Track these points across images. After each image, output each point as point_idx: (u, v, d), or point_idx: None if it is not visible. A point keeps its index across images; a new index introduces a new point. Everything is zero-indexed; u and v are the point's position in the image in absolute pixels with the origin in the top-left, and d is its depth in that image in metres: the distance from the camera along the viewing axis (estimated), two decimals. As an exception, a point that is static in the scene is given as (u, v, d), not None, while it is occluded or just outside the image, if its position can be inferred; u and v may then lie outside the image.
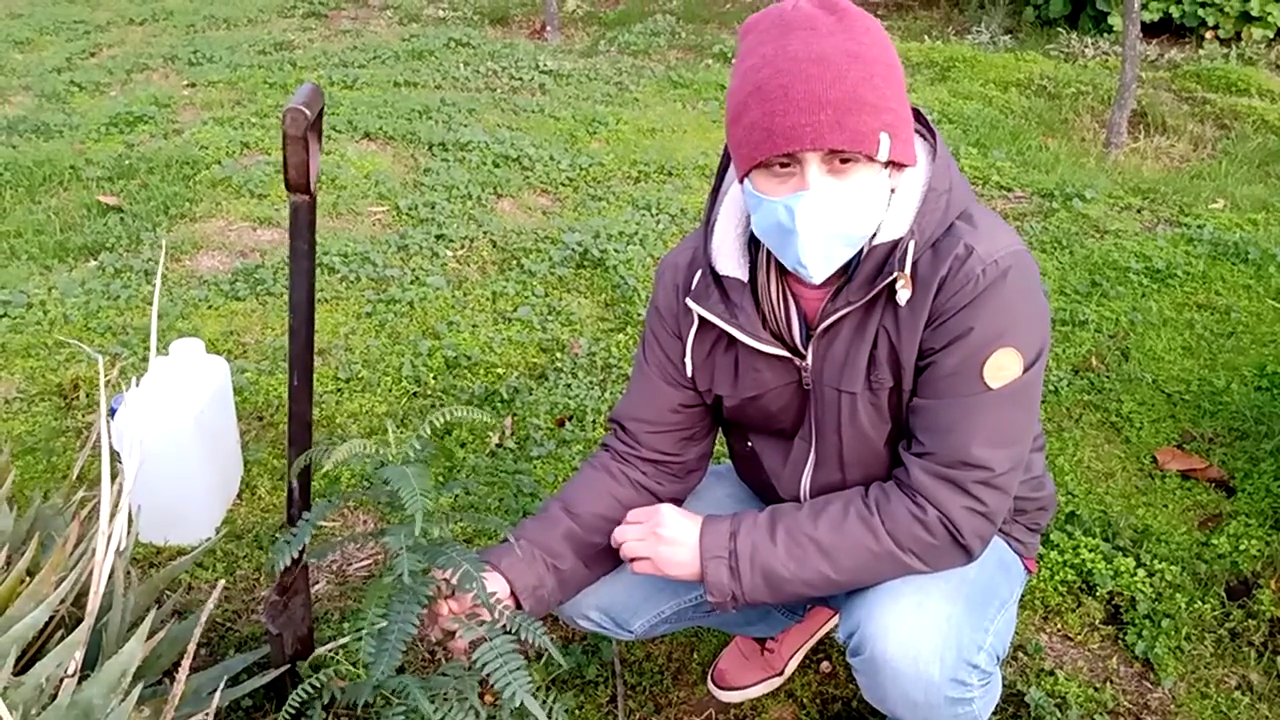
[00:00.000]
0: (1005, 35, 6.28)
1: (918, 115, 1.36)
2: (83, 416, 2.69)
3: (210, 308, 3.23)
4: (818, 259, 1.28)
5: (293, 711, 1.41)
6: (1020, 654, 1.97)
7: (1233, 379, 2.81)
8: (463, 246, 3.63)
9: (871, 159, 1.22)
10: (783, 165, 1.23)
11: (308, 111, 1.38)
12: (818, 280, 1.31)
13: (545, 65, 5.76)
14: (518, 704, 1.28)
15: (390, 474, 1.31)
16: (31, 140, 4.59)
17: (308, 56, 5.95)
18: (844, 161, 1.22)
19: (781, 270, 1.39)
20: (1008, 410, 1.32)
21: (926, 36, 6.38)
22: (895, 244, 1.31)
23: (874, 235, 1.32)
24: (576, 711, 1.86)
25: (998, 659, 1.43)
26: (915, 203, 1.31)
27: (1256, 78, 5.34)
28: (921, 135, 1.36)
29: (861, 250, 1.33)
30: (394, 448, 1.33)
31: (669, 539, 1.39)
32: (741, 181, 1.30)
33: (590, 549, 1.52)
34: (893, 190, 1.32)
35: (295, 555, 1.36)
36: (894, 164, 1.28)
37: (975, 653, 1.36)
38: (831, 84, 1.18)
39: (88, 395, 2.76)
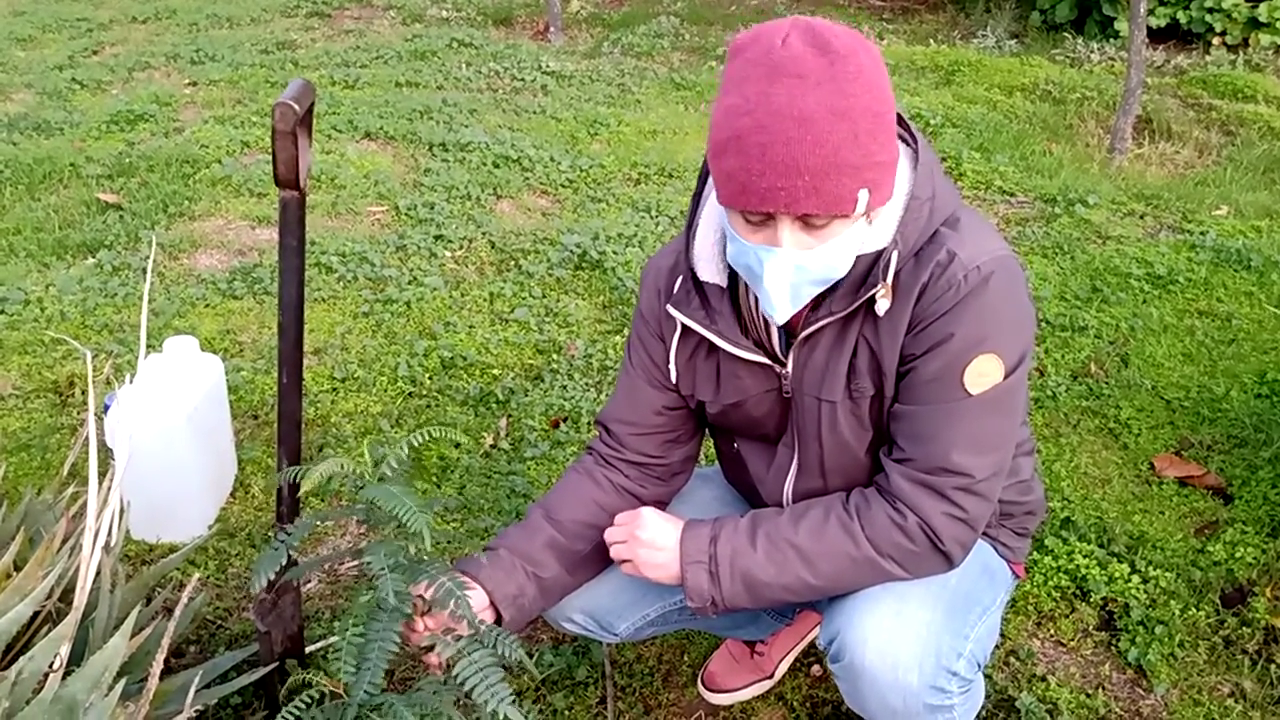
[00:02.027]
0: (1011, 40, 6.27)
1: (900, 120, 1.33)
2: (78, 413, 2.69)
3: (207, 306, 3.22)
4: (784, 306, 1.28)
5: None
6: (1012, 659, 1.96)
7: (1232, 386, 2.80)
8: (461, 247, 3.63)
9: (848, 216, 1.20)
10: (757, 215, 1.21)
11: (297, 106, 1.37)
12: (782, 321, 1.32)
13: (548, 66, 5.76)
14: (502, 716, 1.28)
15: (378, 494, 1.31)
16: (32, 137, 4.60)
17: (310, 56, 5.95)
18: (818, 222, 1.20)
19: None
20: (988, 417, 1.31)
21: (932, 40, 6.37)
22: (879, 255, 1.29)
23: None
24: (566, 712, 1.85)
25: (979, 666, 1.42)
26: (898, 212, 1.29)
27: (1263, 84, 5.32)
28: (904, 140, 1.34)
29: None
30: (368, 461, 1.33)
31: (648, 542, 1.39)
32: (720, 212, 1.30)
33: (573, 556, 1.51)
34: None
35: (272, 575, 1.35)
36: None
37: (955, 660, 1.35)
38: (812, 149, 1.14)
39: (83, 392, 2.75)
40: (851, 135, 1.15)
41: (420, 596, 1.37)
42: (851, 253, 1.27)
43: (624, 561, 1.44)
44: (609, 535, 1.45)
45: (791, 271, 1.23)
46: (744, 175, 1.17)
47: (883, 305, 1.29)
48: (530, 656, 1.93)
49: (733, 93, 1.18)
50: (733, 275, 1.39)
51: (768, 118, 1.15)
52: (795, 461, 1.47)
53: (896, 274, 1.29)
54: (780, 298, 1.26)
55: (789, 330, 1.39)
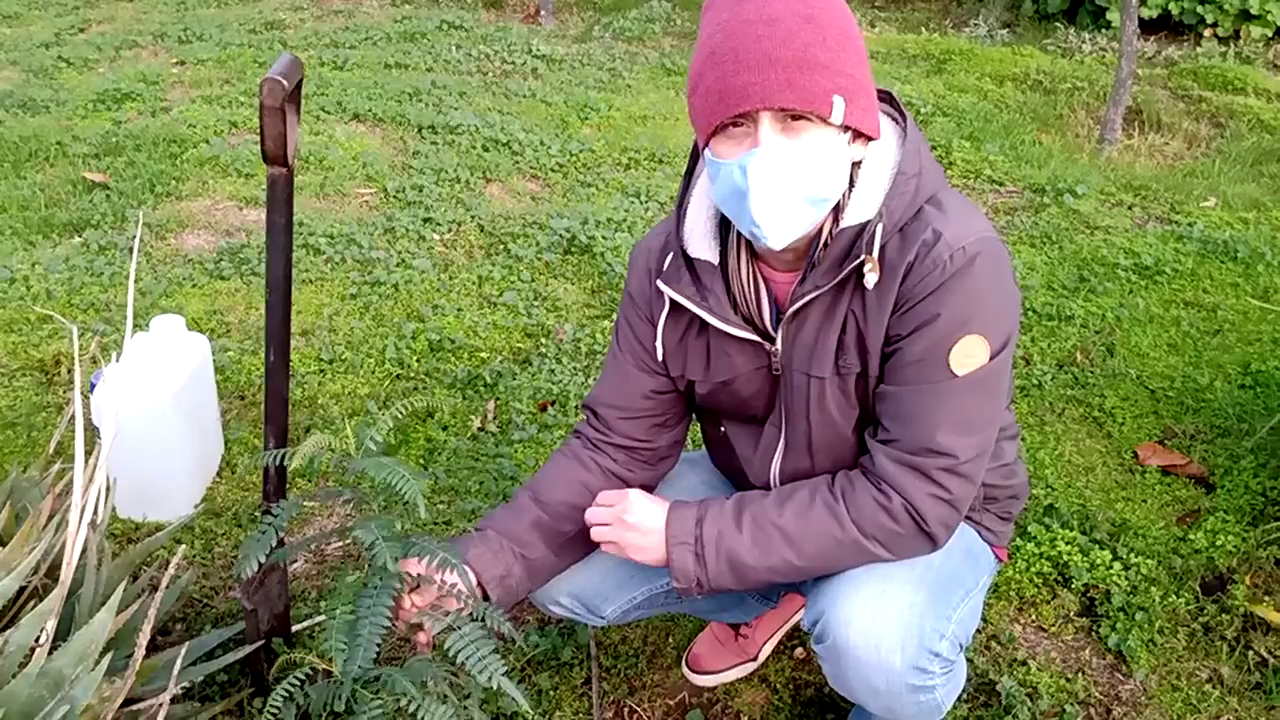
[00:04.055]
0: (1003, 29, 6.28)
1: (890, 98, 1.35)
2: (64, 392, 2.68)
3: (194, 286, 3.21)
4: (771, 218, 1.25)
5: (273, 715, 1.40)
6: (994, 644, 1.97)
7: (1216, 376, 2.82)
8: (450, 230, 3.62)
9: (825, 120, 1.22)
10: (737, 125, 1.23)
11: (285, 82, 1.37)
12: (776, 246, 1.29)
13: (538, 50, 5.74)
14: (495, 686, 1.28)
15: (371, 465, 1.30)
16: (18, 115, 4.56)
17: (298, 36, 5.92)
18: (796, 119, 1.22)
19: (752, 253, 1.39)
20: (973, 397, 1.32)
21: (924, 28, 6.37)
22: (863, 227, 1.30)
23: (840, 217, 1.31)
24: (551, 693, 1.86)
25: (961, 647, 1.43)
26: (884, 185, 1.30)
27: (1253, 76, 5.33)
28: (893, 118, 1.35)
29: (827, 232, 1.32)
30: (353, 441, 1.33)
31: (635, 524, 1.39)
32: (703, 153, 1.30)
33: (560, 538, 1.51)
34: (856, 164, 1.30)
35: (262, 560, 1.35)
36: (855, 133, 1.27)
37: (937, 641, 1.36)
38: (782, 43, 1.19)
39: (69, 371, 2.74)
40: (820, 37, 1.20)
41: (408, 573, 1.37)
42: (835, 176, 1.26)
43: (607, 543, 1.44)
44: (592, 515, 1.44)
45: (776, 172, 1.22)
46: (720, 83, 1.21)
47: (871, 279, 1.29)
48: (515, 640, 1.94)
49: (705, 29, 1.25)
50: (724, 252, 1.40)
51: (738, 26, 1.20)
52: (782, 441, 1.48)
53: (883, 249, 1.29)
54: (767, 206, 1.24)
55: (778, 308, 1.40)
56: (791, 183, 1.24)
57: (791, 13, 1.20)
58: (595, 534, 1.44)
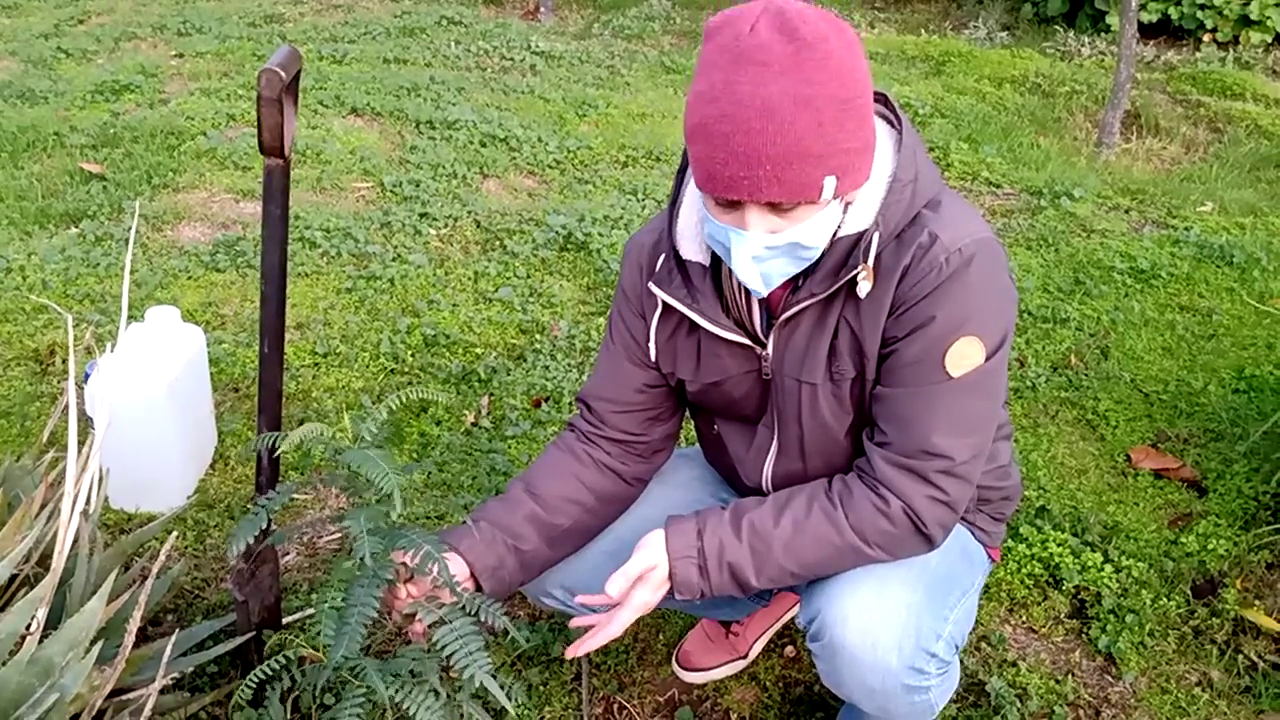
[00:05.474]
0: (1002, 32, 6.28)
1: (886, 101, 1.33)
2: (58, 382, 2.68)
3: (190, 278, 3.21)
4: (756, 283, 1.28)
5: (251, 690, 1.40)
6: (984, 644, 1.98)
7: (1211, 380, 2.82)
8: (446, 225, 3.62)
9: (814, 202, 1.20)
10: (722, 202, 1.23)
11: (283, 73, 1.37)
12: (762, 295, 1.32)
13: (537, 46, 5.74)
14: (478, 685, 1.28)
15: (355, 457, 1.31)
16: (16, 106, 4.55)
17: (298, 30, 5.92)
18: (786, 208, 1.21)
19: None
20: (969, 399, 1.32)
21: (923, 30, 6.38)
22: (859, 236, 1.29)
23: (836, 228, 1.30)
24: (541, 688, 1.86)
25: (956, 648, 1.43)
26: (880, 194, 1.29)
27: (1252, 82, 5.35)
28: (888, 121, 1.34)
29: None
30: (349, 431, 1.33)
31: (641, 568, 1.37)
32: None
33: (553, 530, 1.51)
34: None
35: (251, 541, 1.35)
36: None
37: (934, 641, 1.37)
38: (773, 138, 1.14)
39: (64, 361, 2.74)
40: (815, 124, 1.15)
41: (403, 563, 1.37)
42: (825, 234, 1.27)
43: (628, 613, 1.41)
44: (618, 629, 1.40)
45: (760, 252, 1.24)
46: (709, 163, 1.19)
47: (864, 288, 1.29)
48: (507, 633, 1.94)
49: (702, 79, 1.20)
50: (715, 253, 1.40)
51: (731, 106, 1.15)
52: (775, 442, 1.48)
53: (878, 256, 1.29)
54: (751, 277, 1.27)
55: (770, 311, 1.40)
56: (775, 254, 1.25)
57: (788, 96, 1.13)
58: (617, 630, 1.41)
